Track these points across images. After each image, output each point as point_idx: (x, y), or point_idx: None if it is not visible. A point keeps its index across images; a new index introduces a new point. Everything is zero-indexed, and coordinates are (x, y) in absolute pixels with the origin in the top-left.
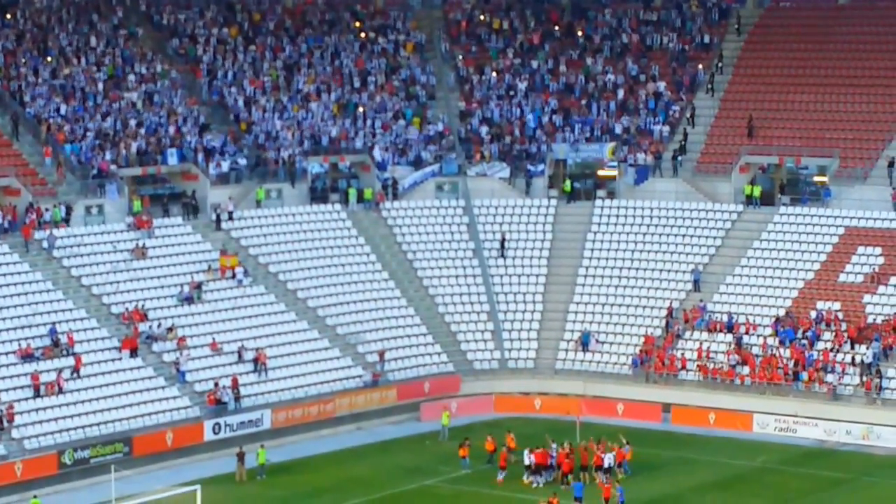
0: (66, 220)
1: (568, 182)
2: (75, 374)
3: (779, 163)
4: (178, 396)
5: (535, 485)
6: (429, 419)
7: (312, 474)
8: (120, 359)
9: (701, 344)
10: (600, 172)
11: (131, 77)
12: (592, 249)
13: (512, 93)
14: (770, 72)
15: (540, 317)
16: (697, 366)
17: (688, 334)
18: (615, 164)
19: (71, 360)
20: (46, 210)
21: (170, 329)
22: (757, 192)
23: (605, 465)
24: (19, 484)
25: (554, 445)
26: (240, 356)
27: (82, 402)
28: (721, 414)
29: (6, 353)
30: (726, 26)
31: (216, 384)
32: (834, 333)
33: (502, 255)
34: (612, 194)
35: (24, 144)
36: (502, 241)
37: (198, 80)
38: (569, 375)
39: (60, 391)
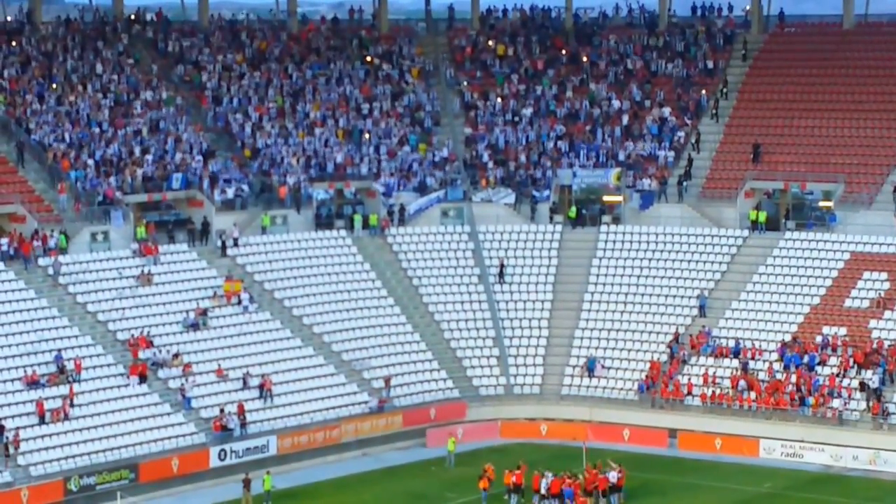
0: (63, 250)
1: (573, 208)
2: (70, 402)
3: (784, 188)
4: (183, 423)
5: None
6: (434, 445)
7: (318, 500)
8: (126, 385)
9: (707, 369)
10: (605, 198)
11: (137, 104)
12: (598, 275)
13: (517, 119)
14: (775, 97)
15: (546, 342)
16: (701, 393)
17: (694, 360)
18: (620, 189)
19: (77, 387)
20: (51, 236)
21: (175, 355)
22: (762, 217)
23: (611, 484)
24: None
25: (548, 474)
26: (245, 383)
27: (88, 428)
28: (727, 439)
29: (12, 380)
30: (731, 52)
31: (222, 410)
32: (840, 358)
33: (501, 281)
34: (617, 220)
35: (29, 171)
36: (501, 267)
37: (203, 107)
38: (575, 401)
39: (66, 418)
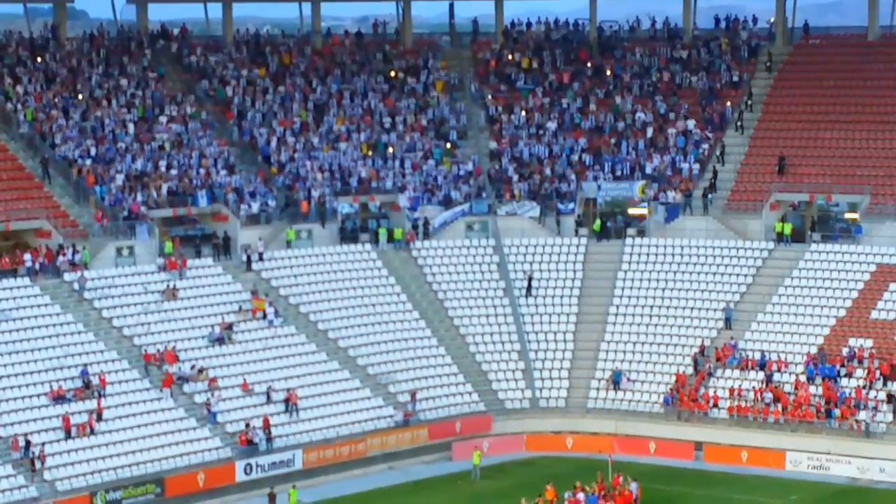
0: (86, 265)
1: (598, 221)
2: (96, 417)
3: (809, 200)
4: (209, 437)
5: None
6: (460, 459)
7: None
8: (152, 400)
9: (733, 382)
10: (630, 211)
11: (161, 119)
12: (623, 288)
13: (541, 132)
14: (800, 109)
15: (571, 355)
16: (728, 406)
17: (719, 372)
18: (645, 202)
19: (103, 402)
20: (76, 252)
21: (201, 370)
22: (788, 229)
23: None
24: None
25: (567, 494)
26: (268, 397)
27: (114, 443)
28: (753, 452)
29: (38, 395)
30: (756, 64)
31: (247, 425)
32: (866, 370)
33: (529, 294)
34: (642, 233)
35: (54, 187)
36: (529, 281)
37: (228, 122)
38: (600, 414)
39: (92, 433)
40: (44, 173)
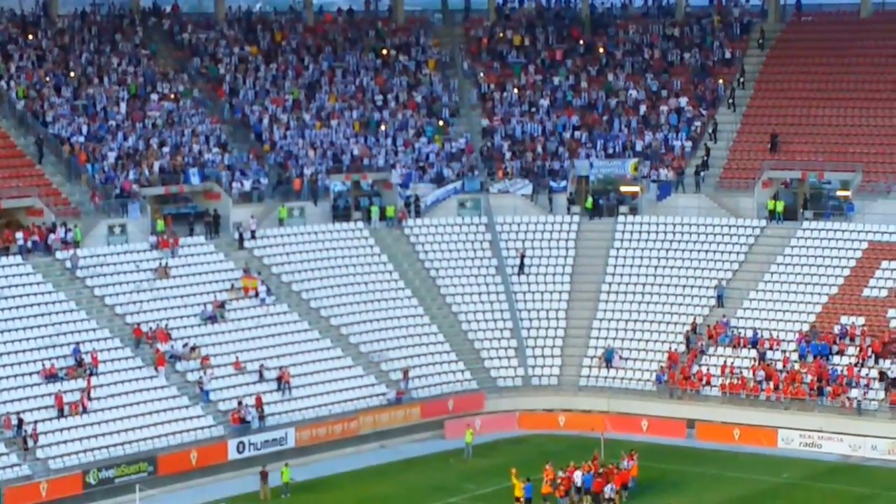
0: (77, 243)
1: (590, 198)
2: (88, 395)
3: (801, 178)
4: (202, 415)
5: None
6: (453, 437)
7: (336, 492)
8: (146, 378)
9: (725, 360)
10: (623, 188)
11: (153, 96)
12: (615, 266)
13: (534, 109)
14: (792, 86)
15: (563, 333)
16: (720, 383)
17: (711, 350)
18: (637, 179)
19: (95, 380)
20: (68, 230)
21: (193, 349)
22: (780, 207)
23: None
24: None
25: (560, 473)
26: (261, 376)
27: (106, 421)
28: (745, 430)
29: (30, 374)
30: (748, 41)
31: (240, 403)
32: (858, 348)
33: (521, 272)
34: (634, 210)
35: (46, 165)
36: (521, 259)
37: (220, 99)
38: (592, 392)
39: (85, 411)
40: (36, 151)
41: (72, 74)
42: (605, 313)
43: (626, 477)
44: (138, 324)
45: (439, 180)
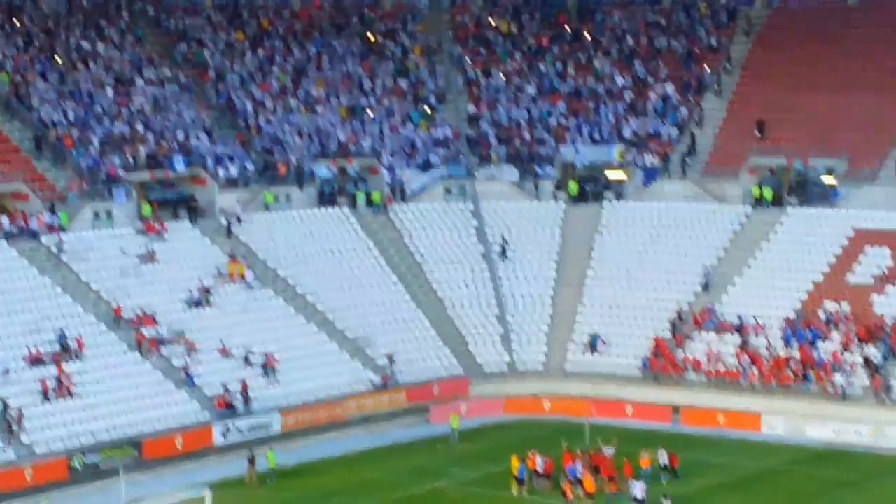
0: (63, 228)
1: (576, 184)
2: (73, 380)
3: (787, 164)
4: (187, 400)
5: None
6: (438, 422)
7: (322, 477)
8: (131, 363)
9: (710, 345)
10: (609, 174)
11: (139, 82)
12: (601, 251)
13: (520, 95)
14: (778, 73)
15: (549, 319)
16: (706, 370)
17: (697, 336)
18: (623, 166)
19: (81, 364)
20: (54, 215)
21: (179, 333)
22: (766, 193)
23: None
24: (29, 489)
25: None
26: (247, 361)
27: (92, 406)
28: (730, 415)
29: (15, 358)
30: (734, 28)
31: (226, 388)
32: (843, 334)
33: (504, 257)
34: (620, 196)
35: (32, 150)
36: (503, 244)
37: (206, 85)
38: (578, 377)
39: (70, 395)
40: (21, 136)
41: (57, 60)
42: (591, 299)
43: (609, 465)
44: (124, 308)
45: (425, 166)
